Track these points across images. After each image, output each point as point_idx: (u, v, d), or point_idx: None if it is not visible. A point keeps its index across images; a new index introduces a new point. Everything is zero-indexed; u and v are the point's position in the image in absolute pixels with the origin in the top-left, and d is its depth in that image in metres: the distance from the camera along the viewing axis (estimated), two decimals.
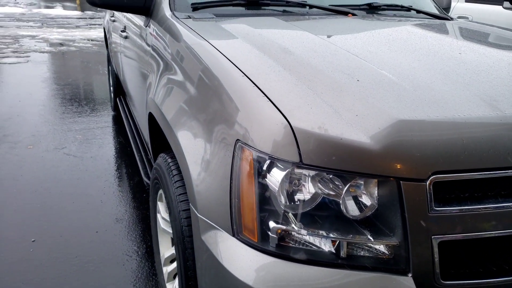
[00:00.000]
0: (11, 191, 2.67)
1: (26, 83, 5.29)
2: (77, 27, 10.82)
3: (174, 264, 1.67)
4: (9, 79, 5.44)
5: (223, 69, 1.13)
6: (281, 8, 1.84)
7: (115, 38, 3.16)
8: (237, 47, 1.24)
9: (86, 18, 12.91)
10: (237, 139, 0.97)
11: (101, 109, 4.46)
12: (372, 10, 1.95)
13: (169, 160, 1.47)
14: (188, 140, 1.17)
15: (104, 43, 8.20)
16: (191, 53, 1.33)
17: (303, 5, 1.85)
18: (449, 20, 2.07)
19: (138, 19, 2.20)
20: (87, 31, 10.16)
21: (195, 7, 1.76)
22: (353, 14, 1.81)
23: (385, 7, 1.97)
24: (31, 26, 10.46)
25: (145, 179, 2.22)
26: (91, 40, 8.84)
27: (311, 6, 1.84)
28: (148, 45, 1.86)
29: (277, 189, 0.92)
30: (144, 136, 2.23)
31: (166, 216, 1.63)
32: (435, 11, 2.16)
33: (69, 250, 2.14)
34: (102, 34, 9.48)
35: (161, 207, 1.68)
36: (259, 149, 0.92)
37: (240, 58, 1.15)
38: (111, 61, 3.83)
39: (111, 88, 4.33)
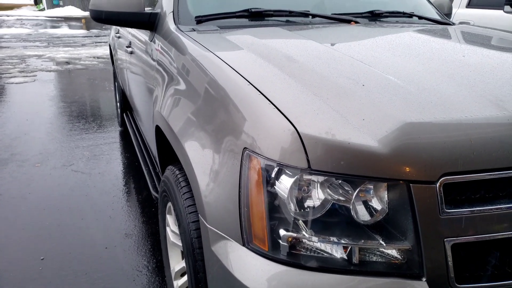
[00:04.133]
0: (20, 210, 2.68)
1: (33, 102, 5.35)
2: (83, 45, 10.98)
3: (185, 278, 1.66)
4: (16, 99, 5.51)
5: (228, 79, 1.14)
6: (284, 19, 1.85)
7: (121, 54, 3.20)
8: (241, 57, 1.25)
9: (91, 36, 13.12)
10: (245, 148, 0.97)
11: (108, 125, 4.50)
12: (374, 17, 1.96)
13: (177, 172, 1.47)
14: (196, 151, 1.17)
15: (109, 60, 8.36)
16: (196, 65, 1.34)
17: (305, 15, 1.87)
18: (451, 25, 2.07)
19: (143, 34, 2.23)
20: (93, 49, 10.31)
21: (199, 20, 1.78)
22: (356, 22, 1.82)
23: (387, 14, 1.98)
24: (37, 46, 10.63)
25: (153, 192, 2.22)
26: (97, 58, 8.96)
27: (313, 16, 1.86)
28: (154, 59, 1.88)
29: (286, 196, 0.91)
30: (152, 149, 2.24)
31: (176, 229, 1.63)
32: (436, 17, 2.16)
33: (78, 267, 2.13)
34: (108, 52, 9.64)
35: (170, 220, 1.68)
36: (267, 156, 0.92)
37: (245, 67, 1.16)
38: (117, 77, 3.87)
39: (118, 104, 4.37)
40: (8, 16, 20.15)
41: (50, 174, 3.24)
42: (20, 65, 7.99)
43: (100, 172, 3.29)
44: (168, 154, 1.87)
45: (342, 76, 1.07)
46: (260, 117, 0.96)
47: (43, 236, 2.39)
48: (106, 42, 11.77)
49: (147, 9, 2.07)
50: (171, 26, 1.77)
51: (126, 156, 3.64)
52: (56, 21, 18.27)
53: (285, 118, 0.92)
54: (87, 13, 22.80)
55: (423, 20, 2.05)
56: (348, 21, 1.83)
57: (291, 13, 1.84)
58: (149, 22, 1.95)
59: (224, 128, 1.08)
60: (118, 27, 3.39)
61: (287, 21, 1.85)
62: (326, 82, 1.04)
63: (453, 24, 2.11)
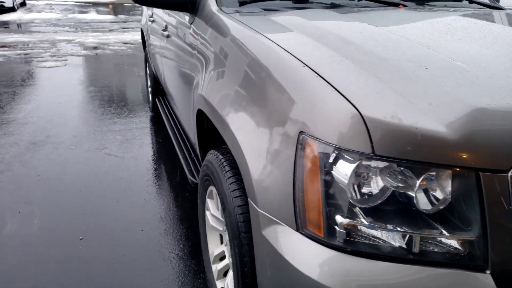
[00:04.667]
0: (57, 191, 2.75)
1: (65, 86, 5.45)
2: (111, 31, 11.10)
3: (224, 262, 1.66)
4: (48, 83, 5.62)
5: (281, 61, 1.11)
6: (329, 1, 1.80)
7: (155, 38, 3.21)
8: (293, 39, 1.22)
9: (119, 22, 13.24)
10: (301, 131, 0.95)
11: (138, 110, 4.54)
12: (422, 1, 1.89)
13: (221, 156, 1.46)
14: (245, 134, 1.15)
15: (138, 45, 8.43)
16: (244, 47, 1.32)
17: None
18: (503, 9, 1.98)
19: (181, 17, 2.22)
20: (121, 34, 10.41)
21: (242, 2, 1.75)
22: (404, 6, 1.75)
23: None
24: (67, 31, 10.81)
25: (190, 177, 2.23)
26: (125, 43, 9.05)
27: None
28: (194, 42, 1.86)
29: (346, 182, 0.88)
30: (189, 134, 2.24)
31: (216, 213, 1.62)
32: (486, 1, 2.07)
33: (116, 248, 2.17)
34: (136, 37, 9.73)
35: (211, 204, 1.68)
36: (325, 140, 0.89)
37: (298, 49, 1.13)
38: (150, 62, 3.89)
39: (149, 89, 4.40)
40: (37, 0, 20.53)
41: (84, 156, 3.30)
42: (51, 49, 8.14)
43: (133, 156, 3.33)
44: (209, 138, 1.87)
45: (402, 59, 1.02)
46: (319, 99, 0.93)
47: (81, 217, 2.44)
48: (133, 27, 11.86)
49: None
50: (213, 8, 1.74)
51: (158, 141, 3.67)
52: (84, 7, 18.52)
53: (346, 101, 0.88)
54: None
55: (474, 4, 1.96)
56: (396, 5, 1.76)
57: None
58: (190, 4, 1.93)
59: (277, 111, 1.05)
60: (152, 11, 3.39)
61: (332, 4, 1.80)
62: (387, 65, 1.00)
63: (505, 9, 2.01)
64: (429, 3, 1.89)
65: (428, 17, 1.52)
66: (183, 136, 2.74)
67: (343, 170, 0.87)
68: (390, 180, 0.90)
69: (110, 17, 14.64)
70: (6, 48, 8.11)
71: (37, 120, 4.11)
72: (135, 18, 14.42)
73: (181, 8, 1.94)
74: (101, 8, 17.82)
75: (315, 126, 0.91)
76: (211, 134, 1.86)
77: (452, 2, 1.93)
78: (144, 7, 4.47)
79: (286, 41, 1.20)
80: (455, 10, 1.73)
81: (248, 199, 1.14)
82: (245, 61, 1.27)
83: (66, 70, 6.45)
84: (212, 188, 1.61)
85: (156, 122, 4.15)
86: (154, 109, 4.16)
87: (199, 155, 2.01)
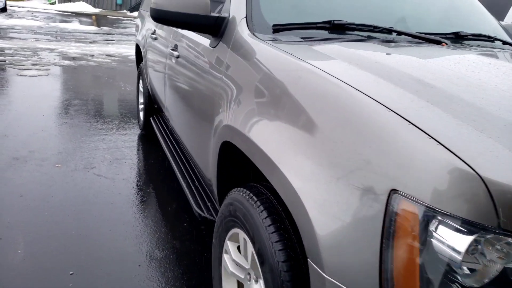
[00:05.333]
0: (43, 214, 2.49)
1: (48, 97, 5.17)
2: (95, 42, 10.82)
3: None
4: (31, 92, 5.32)
5: (357, 102, 0.97)
6: (366, 34, 1.70)
7: (156, 56, 3.04)
8: (360, 77, 1.09)
9: (102, 33, 12.97)
10: (393, 189, 0.80)
11: (127, 127, 4.31)
12: (457, 39, 1.81)
13: (255, 198, 1.30)
14: (305, 182, 1.00)
15: (123, 59, 8.18)
16: (300, 82, 1.17)
17: (389, 32, 1.71)
18: None
19: (199, 39, 2.07)
20: (105, 46, 10.15)
21: (277, 29, 1.62)
22: (446, 43, 1.67)
23: (471, 37, 1.83)
24: (49, 40, 10.46)
25: (196, 209, 2.04)
26: (110, 56, 8.80)
27: (399, 33, 1.70)
28: (218, 68, 1.71)
29: (458, 258, 0.73)
30: (198, 163, 2.06)
31: (240, 259, 1.44)
32: None
33: (111, 285, 1.94)
34: (120, 50, 9.50)
35: (232, 248, 1.50)
36: (432, 205, 0.75)
37: (371, 89, 1.00)
38: (145, 79, 3.70)
39: (140, 106, 4.19)
40: (18, 7, 19.99)
41: (71, 176, 3.05)
42: (33, 57, 7.81)
43: (124, 178, 3.10)
44: (232, 173, 1.70)
45: (500, 108, 0.90)
46: (419, 153, 0.79)
47: (70, 247, 2.20)
48: (117, 40, 11.63)
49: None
50: (245, 33, 1.60)
51: (150, 163, 3.45)
52: (67, 16, 18.13)
53: (457, 158, 0.75)
54: (97, 10, 22.71)
55: (507, 45, 1.90)
56: (436, 42, 1.67)
57: (375, 28, 1.68)
58: (215, 27, 1.79)
59: (354, 160, 0.91)
60: (155, 27, 3.23)
61: (369, 36, 1.69)
62: (485, 115, 0.87)
63: None
64: (463, 42, 1.82)
65: (482, 58, 1.43)
66: (185, 162, 2.55)
67: (455, 243, 0.72)
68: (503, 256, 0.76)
69: (93, 28, 14.34)
70: None
71: (19, 133, 3.82)
72: (118, 31, 14.18)
73: (204, 30, 1.80)
74: (84, 19, 17.49)
75: (415, 185, 0.77)
76: (235, 168, 1.70)
77: (484, 42, 1.86)
78: (139, 21, 4.30)
79: (353, 79, 1.06)
80: (496, 51, 1.65)
81: (308, 259, 0.97)
82: (303, 98, 1.13)
83: (49, 80, 6.15)
84: (237, 231, 1.44)
85: (147, 141, 3.94)
86: (145, 127, 3.96)
87: (214, 189, 1.83)
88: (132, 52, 9.46)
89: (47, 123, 4.18)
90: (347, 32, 1.68)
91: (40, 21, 14.84)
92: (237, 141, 1.42)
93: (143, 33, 3.77)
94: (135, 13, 22.43)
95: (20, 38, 10.16)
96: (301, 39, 1.55)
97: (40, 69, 6.81)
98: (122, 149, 3.68)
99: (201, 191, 2.24)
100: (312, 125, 1.05)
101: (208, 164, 1.84)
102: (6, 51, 8.15)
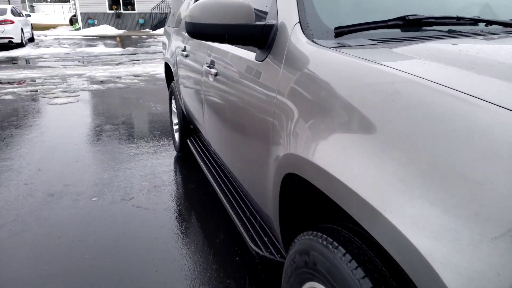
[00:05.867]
0: (84, 258, 2.29)
1: (79, 124, 5.07)
2: (121, 63, 10.86)
3: None
4: (62, 121, 5.25)
5: (496, 125, 0.68)
6: (446, 28, 1.40)
7: (189, 75, 2.82)
8: (484, 85, 0.80)
9: (128, 54, 13.06)
10: None
11: (162, 150, 4.13)
12: None
13: (343, 250, 1.02)
14: (435, 240, 0.72)
15: (151, 78, 8.09)
16: (394, 96, 0.89)
17: (475, 23, 1.41)
18: None
19: (241, 53, 1.82)
20: (131, 67, 10.15)
21: (340, 32, 1.34)
22: None
23: None
24: (76, 65, 10.58)
25: (253, 247, 1.78)
26: (137, 76, 8.75)
27: (488, 23, 1.39)
28: (270, 85, 1.45)
29: None
30: (253, 197, 1.79)
31: None
32: None
33: None
34: (147, 69, 9.45)
35: None
36: None
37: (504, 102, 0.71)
38: (178, 99, 3.49)
39: (174, 127, 4.00)
40: (46, 36, 20.58)
41: (109, 210, 2.86)
42: (62, 84, 7.84)
43: (165, 208, 2.89)
44: (301, 209, 1.43)
45: None
46: None
47: None
48: (143, 59, 11.65)
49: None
50: (302, 41, 1.34)
51: (191, 188, 3.23)
52: (92, 40, 18.49)
53: None
54: (121, 31, 23.14)
55: None
56: None
57: (459, 20, 1.38)
58: (261, 37, 1.53)
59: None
60: (186, 44, 3.02)
61: (450, 31, 1.39)
62: None
63: None
64: None
65: None
66: (233, 190, 2.30)
67: None
68: None
69: (118, 49, 14.49)
70: (16, 85, 7.80)
71: (52, 166, 3.69)
72: (143, 50, 14.27)
73: (249, 42, 1.55)
74: (109, 41, 17.78)
75: None
76: (304, 204, 1.43)
77: None
78: (165, 38, 4.13)
79: (480, 90, 0.77)
80: None
81: None
82: (409, 121, 0.85)
83: (79, 106, 6.10)
84: (316, 285, 1.16)
85: (184, 164, 3.73)
86: (182, 149, 3.75)
87: (274, 227, 1.56)
88: (159, 70, 9.40)
89: (80, 153, 4.05)
90: (423, 28, 1.39)
91: (66, 47, 15.15)
92: (308, 174, 1.14)
93: (172, 51, 3.57)
94: (158, 31, 22.70)
95: (49, 67, 10.31)
96: (375, 42, 1.27)
97: (69, 96, 6.79)
98: (159, 175, 3.48)
99: (255, 224, 1.97)
100: (432, 158, 0.77)
101: (265, 198, 1.58)
102: (37, 81, 8.24)
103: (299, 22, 1.41)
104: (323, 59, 1.19)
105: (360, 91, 0.99)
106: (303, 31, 1.38)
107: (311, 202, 1.42)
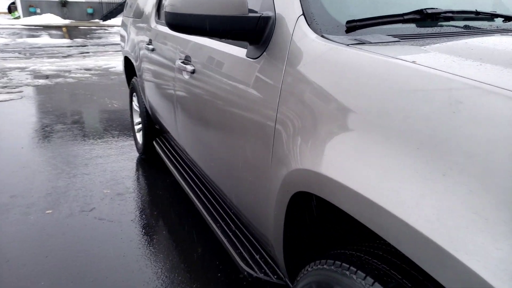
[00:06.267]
0: (38, 284, 1.98)
1: (25, 124, 4.59)
2: (69, 56, 10.15)
3: None
4: (4, 120, 4.73)
5: None
6: (462, 23, 1.26)
7: (157, 70, 2.54)
8: None
9: (77, 46, 12.26)
10: None
11: (123, 151, 3.80)
12: None
13: (371, 280, 0.85)
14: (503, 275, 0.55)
15: (104, 72, 7.56)
16: (454, 106, 0.72)
17: (491, 17, 1.28)
18: None
19: (226, 47, 1.59)
20: (82, 60, 9.50)
21: (353, 27, 1.16)
22: None
23: None
24: (17, 57, 9.76)
25: (245, 268, 1.58)
26: (88, 70, 8.18)
27: (506, 18, 1.27)
28: (269, 88, 1.24)
29: None
30: (247, 215, 1.58)
31: None
32: None
33: None
34: (100, 63, 8.88)
35: None
36: None
37: None
38: (143, 97, 3.19)
39: (136, 127, 3.68)
40: None
41: (67, 224, 2.53)
42: (2, 79, 7.14)
43: (132, 219, 2.60)
44: (310, 231, 1.24)
45: None
46: None
47: None
48: (95, 52, 10.97)
49: None
50: (310, 36, 1.14)
51: (159, 195, 2.96)
52: (35, 30, 17.22)
53: None
54: (67, 21, 21.79)
55: None
56: None
57: (477, 15, 1.24)
58: (256, 31, 1.32)
59: None
60: (148, 36, 2.73)
61: (466, 26, 1.25)
62: None
63: None
64: None
65: None
66: (213, 200, 2.07)
67: None
68: None
69: (65, 41, 13.58)
70: None
71: None
72: (93, 42, 13.48)
73: (240, 37, 1.33)
74: (54, 32, 16.64)
75: None
76: (316, 226, 1.24)
77: None
78: (123, 30, 3.79)
79: None
80: None
81: None
82: (479, 138, 0.68)
83: (23, 103, 5.55)
84: None
85: (149, 167, 3.44)
86: (146, 151, 3.45)
87: (276, 253, 1.36)
88: (113, 64, 8.86)
89: (28, 157, 3.63)
90: (439, 23, 1.24)
91: (5, 37, 13.99)
92: (333, 196, 0.95)
93: (133, 44, 3.25)
94: (109, 22, 21.59)
95: None
96: (397, 38, 1.09)
97: (11, 92, 6.18)
98: (122, 181, 3.17)
99: (242, 239, 1.77)
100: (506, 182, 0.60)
101: (263, 218, 1.37)
102: None
103: (303, 14, 1.21)
104: (348, 59, 0.99)
105: (407, 99, 0.81)
106: (308, 25, 1.18)
107: (318, 222, 1.23)
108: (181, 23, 1.30)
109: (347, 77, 0.96)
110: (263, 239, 1.48)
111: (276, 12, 1.31)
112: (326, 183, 0.95)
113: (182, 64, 1.98)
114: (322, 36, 1.13)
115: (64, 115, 4.99)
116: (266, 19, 1.31)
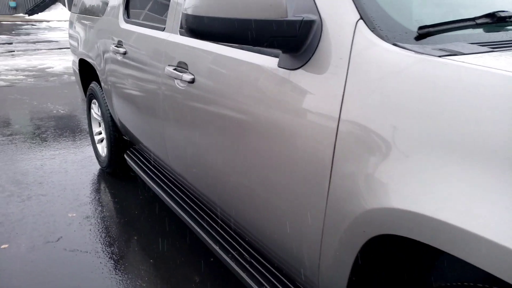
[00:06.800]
0: None
1: None
2: None
3: None
4: None
5: None
6: None
7: (134, 76, 2.22)
8: None
9: (2, 44, 11.08)
10: None
11: (83, 165, 3.38)
12: None
13: None
14: None
15: (40, 72, 6.82)
16: None
17: None
18: None
19: (245, 55, 1.36)
20: (11, 59, 8.59)
21: (425, 34, 0.99)
22: None
23: None
24: None
25: None
26: (22, 71, 7.39)
27: None
28: (323, 104, 1.04)
29: None
30: (285, 257, 1.37)
31: None
32: None
33: None
34: (34, 62, 8.08)
35: None
36: None
37: None
38: (109, 105, 2.82)
39: (96, 137, 3.28)
40: None
41: (31, 261, 2.15)
42: None
43: (109, 247, 2.27)
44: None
45: None
46: None
47: None
48: (25, 50, 10.00)
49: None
50: (380, 45, 0.96)
51: (136, 215, 2.63)
52: None
53: None
54: None
55: None
56: None
57: None
58: (297, 37, 1.11)
59: None
60: (118, 37, 2.39)
61: None
62: None
63: None
64: None
65: None
66: (220, 229, 1.83)
67: None
68: None
69: None
70: None
71: None
72: (21, 39, 12.31)
73: (274, 45, 1.11)
74: None
75: None
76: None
77: None
78: (75, 28, 3.38)
79: None
80: None
81: None
82: None
83: None
84: None
85: (116, 183, 3.08)
86: (111, 164, 3.08)
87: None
88: (49, 64, 8.09)
89: None
90: (506, 27, 1.11)
91: None
92: (440, 242, 0.77)
93: (93, 44, 2.86)
94: (36, 16, 19.91)
95: None
96: (487, 48, 0.94)
97: None
98: (87, 201, 2.80)
99: (263, 271, 1.55)
100: None
101: (306, 259, 1.17)
102: None
103: (361, 18, 1.02)
104: (453, 75, 0.81)
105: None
106: (371, 31, 0.99)
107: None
108: (207, 28, 1.06)
109: (456, 98, 0.79)
110: (295, 273, 1.27)
111: (321, 16, 1.10)
112: (439, 228, 0.77)
113: (174, 71, 1.71)
114: (395, 45, 0.95)
115: (0, 125, 4.40)
116: (310, 23, 1.10)
